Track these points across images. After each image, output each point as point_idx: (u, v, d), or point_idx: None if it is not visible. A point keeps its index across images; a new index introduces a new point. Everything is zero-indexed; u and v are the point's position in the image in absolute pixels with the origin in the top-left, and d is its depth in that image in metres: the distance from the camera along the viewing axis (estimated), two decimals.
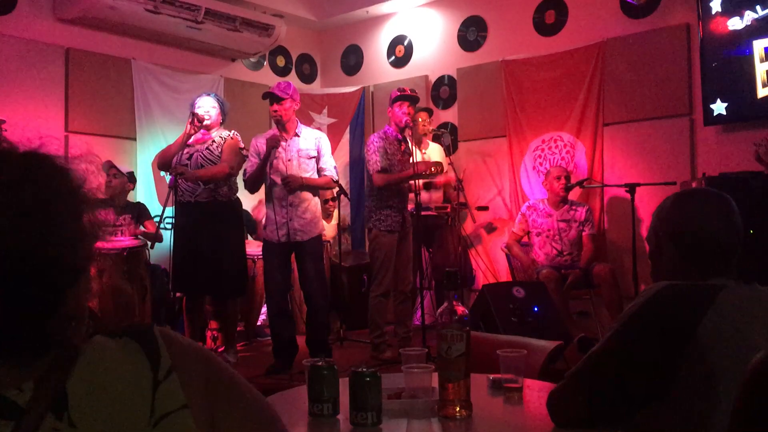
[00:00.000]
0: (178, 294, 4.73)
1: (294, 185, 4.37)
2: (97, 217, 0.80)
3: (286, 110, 4.43)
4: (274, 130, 4.55)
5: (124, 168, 5.29)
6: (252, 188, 4.55)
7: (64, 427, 0.71)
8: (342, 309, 5.77)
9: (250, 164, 4.48)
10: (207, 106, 4.58)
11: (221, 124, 4.68)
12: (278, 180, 4.40)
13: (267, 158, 4.34)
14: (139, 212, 5.21)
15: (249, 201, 5.67)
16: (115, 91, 5.85)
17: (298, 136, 4.49)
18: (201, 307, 4.84)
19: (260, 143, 4.44)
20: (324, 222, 5.95)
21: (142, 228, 5.18)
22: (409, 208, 4.98)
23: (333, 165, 4.59)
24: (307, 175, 4.44)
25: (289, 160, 4.41)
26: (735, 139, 5.07)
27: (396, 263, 4.83)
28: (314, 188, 4.52)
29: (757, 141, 4.42)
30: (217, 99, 4.69)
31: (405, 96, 4.84)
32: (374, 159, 4.77)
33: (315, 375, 1.60)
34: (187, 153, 4.51)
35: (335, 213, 6.24)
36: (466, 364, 1.57)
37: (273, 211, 4.42)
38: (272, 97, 4.44)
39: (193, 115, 4.49)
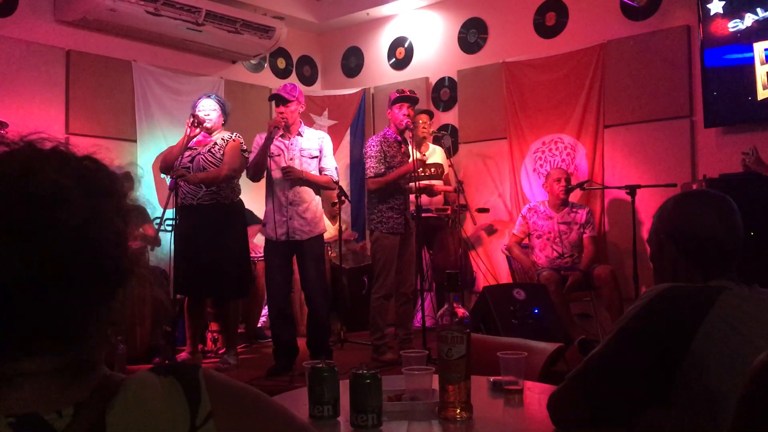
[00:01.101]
0: (178, 296, 4.73)
1: (293, 175, 4.35)
2: (139, 223, 0.82)
3: (292, 113, 4.43)
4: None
5: (120, 170, 5.27)
6: (255, 175, 4.49)
7: None
8: (342, 311, 5.78)
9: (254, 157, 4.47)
10: (207, 109, 4.58)
11: (223, 125, 4.69)
12: (280, 177, 4.40)
13: (269, 141, 4.32)
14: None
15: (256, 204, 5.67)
16: (115, 93, 5.85)
17: (301, 135, 4.49)
18: (203, 309, 4.84)
19: (264, 138, 4.43)
20: (329, 224, 5.95)
21: (140, 230, 5.15)
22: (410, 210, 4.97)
23: (334, 166, 4.58)
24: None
25: (291, 159, 4.41)
26: (735, 140, 5.07)
27: (399, 265, 4.82)
28: (314, 185, 4.49)
29: (745, 150, 4.45)
30: (218, 100, 4.69)
31: (404, 97, 4.82)
32: (369, 164, 4.78)
33: (315, 377, 1.60)
34: (189, 156, 4.52)
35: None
36: (467, 366, 1.56)
37: (273, 208, 4.42)
38: (279, 99, 4.43)
39: (193, 116, 4.49)
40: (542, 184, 5.58)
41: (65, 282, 0.73)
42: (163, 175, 5.96)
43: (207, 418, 0.76)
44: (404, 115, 4.76)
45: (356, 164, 7.04)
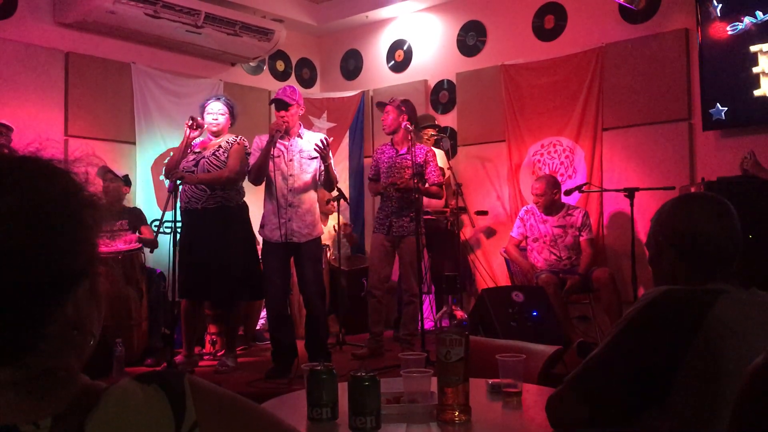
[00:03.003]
0: (176, 298, 4.72)
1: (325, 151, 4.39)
2: (100, 220, 0.79)
3: (293, 116, 4.43)
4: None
5: (119, 172, 5.28)
6: (257, 179, 4.47)
7: None
8: (341, 313, 5.77)
9: (254, 159, 4.47)
10: (216, 113, 4.59)
11: (231, 125, 4.70)
12: (279, 179, 4.40)
13: (271, 144, 4.32)
14: (136, 217, 5.19)
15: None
16: (114, 95, 5.85)
17: (301, 137, 4.50)
18: (201, 312, 4.83)
19: (263, 139, 4.44)
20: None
21: (138, 234, 5.14)
22: (411, 215, 4.99)
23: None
24: (308, 176, 4.44)
25: (290, 160, 4.42)
26: (734, 143, 5.08)
27: (400, 268, 4.95)
28: (329, 180, 4.50)
29: (745, 153, 4.46)
30: (227, 103, 4.69)
31: (378, 104, 5.17)
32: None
33: (314, 379, 1.60)
34: (194, 159, 4.52)
35: (332, 217, 6.23)
36: (465, 368, 1.57)
37: (272, 209, 4.42)
38: (279, 104, 4.43)
39: (191, 118, 4.49)
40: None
41: (9, 295, 0.70)
42: (161, 177, 5.97)
43: (193, 427, 0.74)
44: (383, 120, 5.01)
45: (355, 166, 7.06)
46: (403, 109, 4.94)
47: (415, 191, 4.80)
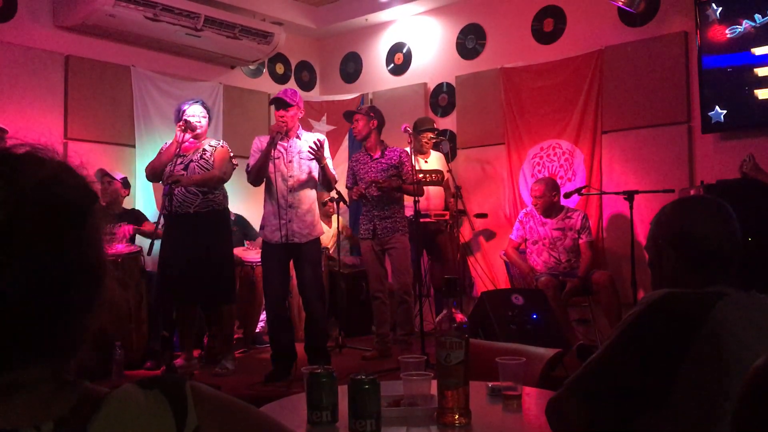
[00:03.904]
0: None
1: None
2: (106, 225, 0.80)
3: (292, 117, 4.44)
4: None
5: (118, 174, 5.27)
6: (257, 180, 4.47)
7: None
8: (341, 316, 5.77)
9: (254, 160, 4.47)
10: (198, 115, 4.61)
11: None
12: (279, 180, 4.41)
13: (272, 146, 4.34)
14: (136, 219, 5.20)
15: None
16: (114, 98, 5.85)
17: (299, 138, 4.51)
18: (194, 315, 4.82)
19: (263, 141, 4.45)
20: (324, 225, 5.95)
21: (138, 227, 5.16)
22: (407, 215, 5.02)
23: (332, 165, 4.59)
24: (306, 176, 4.46)
25: (289, 161, 4.43)
26: (733, 146, 5.08)
27: (392, 268, 5.00)
28: (326, 180, 4.52)
29: (744, 156, 4.47)
30: (206, 107, 4.73)
31: (346, 113, 5.27)
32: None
33: (314, 382, 1.60)
34: (182, 163, 4.52)
35: (334, 218, 6.23)
36: (465, 371, 1.57)
37: (272, 211, 4.43)
38: (279, 103, 4.44)
39: (185, 122, 4.50)
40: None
41: (62, 293, 0.71)
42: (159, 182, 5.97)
43: None
44: (354, 128, 5.13)
45: None
46: (372, 114, 5.06)
47: (396, 189, 4.92)
